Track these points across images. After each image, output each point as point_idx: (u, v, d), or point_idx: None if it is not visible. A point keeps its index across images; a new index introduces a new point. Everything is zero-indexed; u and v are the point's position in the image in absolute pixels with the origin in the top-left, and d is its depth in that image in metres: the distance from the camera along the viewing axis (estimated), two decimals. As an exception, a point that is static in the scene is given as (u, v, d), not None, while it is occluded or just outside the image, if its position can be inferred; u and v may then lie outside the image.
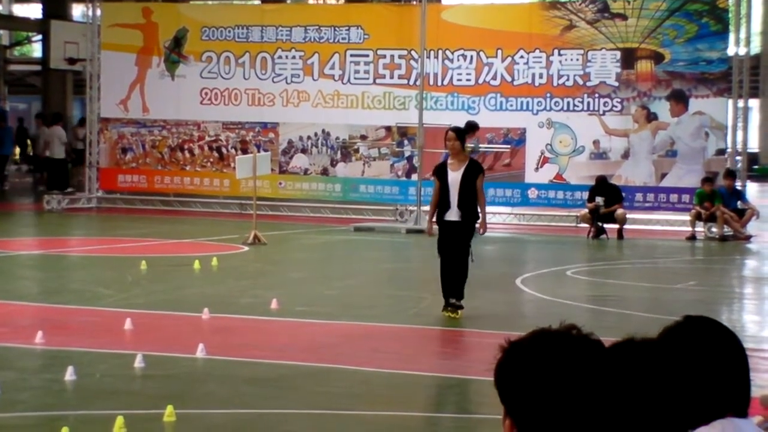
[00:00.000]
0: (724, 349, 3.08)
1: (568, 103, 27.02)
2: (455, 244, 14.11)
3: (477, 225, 14.49)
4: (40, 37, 42.88)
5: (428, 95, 27.25)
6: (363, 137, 28.73)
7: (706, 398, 3.03)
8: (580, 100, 26.94)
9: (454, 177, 14.11)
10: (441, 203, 14.19)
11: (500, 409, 2.68)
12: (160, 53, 30.30)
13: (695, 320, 3.15)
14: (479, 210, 14.30)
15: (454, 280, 14.12)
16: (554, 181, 27.14)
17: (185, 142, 30.23)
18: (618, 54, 26.74)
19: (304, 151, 29.21)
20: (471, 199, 14.12)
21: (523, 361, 2.62)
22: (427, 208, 26.36)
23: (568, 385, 2.57)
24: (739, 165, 26.73)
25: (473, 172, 14.18)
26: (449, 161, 14.36)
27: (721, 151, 26.41)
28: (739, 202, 25.26)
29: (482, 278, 17.85)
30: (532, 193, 27.25)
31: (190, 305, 14.53)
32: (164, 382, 10.47)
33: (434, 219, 14.43)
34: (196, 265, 18.41)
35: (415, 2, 28.08)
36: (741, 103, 26.73)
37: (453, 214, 14.09)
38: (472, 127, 25.55)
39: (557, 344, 2.62)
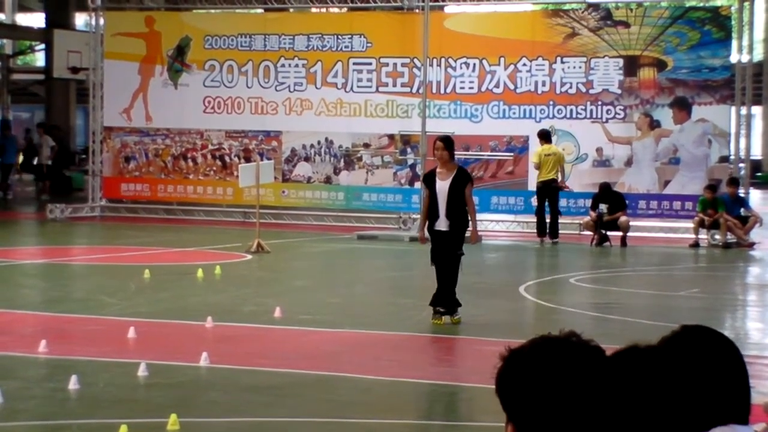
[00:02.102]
0: (721, 357, 3.08)
1: (571, 110, 27.02)
2: (445, 253, 14.17)
3: (468, 234, 14.55)
4: (43, 46, 42.93)
5: (431, 103, 27.25)
6: (366, 145, 28.74)
7: (705, 407, 3.03)
8: (583, 107, 26.95)
9: (442, 186, 14.16)
10: (430, 212, 14.26)
11: (503, 417, 2.68)
12: (163, 62, 30.33)
13: (692, 329, 3.15)
14: (470, 219, 14.34)
15: (440, 289, 14.21)
16: (557, 188, 27.10)
17: (188, 151, 30.25)
18: (621, 61, 26.76)
19: (307, 159, 29.22)
20: (460, 208, 14.14)
21: (523, 369, 2.62)
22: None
23: (569, 391, 2.58)
24: (742, 172, 26.73)
25: (461, 181, 14.21)
26: (438, 170, 14.40)
27: (724, 159, 26.40)
28: (742, 210, 25.25)
29: (485, 286, 17.87)
30: (536, 201, 27.20)
31: (194, 314, 14.53)
32: (168, 390, 10.48)
33: (426, 228, 14.51)
34: (200, 273, 18.42)
35: (417, 10, 28.09)
36: (744, 111, 26.73)
37: (441, 224, 14.15)
38: (546, 135, 25.55)
39: (557, 351, 2.63)
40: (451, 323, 14.19)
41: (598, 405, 2.59)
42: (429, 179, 14.42)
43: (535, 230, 25.50)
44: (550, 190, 25.26)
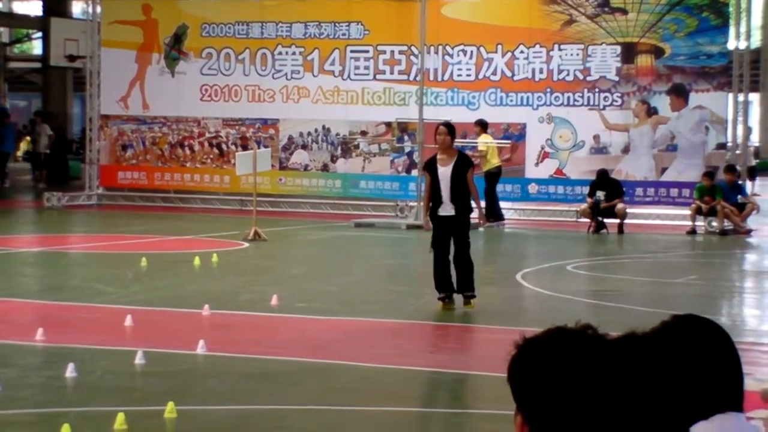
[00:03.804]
0: (711, 345, 3.08)
1: (569, 98, 27.00)
2: (454, 238, 14.26)
3: (476, 218, 14.69)
4: (40, 34, 42.88)
5: (428, 91, 27.23)
6: (363, 133, 28.72)
7: (698, 395, 3.03)
8: (581, 94, 26.93)
9: (444, 172, 14.23)
10: (433, 198, 14.32)
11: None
12: (160, 50, 30.30)
13: (682, 319, 3.15)
14: (474, 203, 14.45)
15: (461, 274, 14.27)
16: (554, 176, 27.14)
17: (185, 139, 30.22)
18: (618, 48, 26.73)
19: (304, 147, 29.20)
20: (463, 192, 14.23)
21: (538, 359, 2.60)
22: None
23: (582, 384, 2.56)
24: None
25: (463, 166, 14.30)
26: (439, 156, 14.49)
27: (721, 146, 26.40)
28: (739, 197, 25.25)
29: (483, 273, 17.85)
30: (533, 188, 27.25)
31: (191, 302, 14.53)
32: (165, 378, 10.48)
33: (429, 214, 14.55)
34: (197, 261, 18.40)
35: (414, -2, 28.04)
36: (741, 98, 26.72)
37: (446, 209, 14.22)
38: (486, 124, 25.99)
39: (573, 343, 2.61)
40: (465, 308, 14.22)
41: (610, 398, 2.58)
42: (430, 165, 14.49)
43: (489, 215, 25.81)
44: (497, 176, 25.87)
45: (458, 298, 14.39)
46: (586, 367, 2.58)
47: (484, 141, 25.92)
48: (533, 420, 2.60)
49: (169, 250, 21.01)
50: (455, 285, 14.34)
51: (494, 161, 25.96)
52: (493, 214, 25.75)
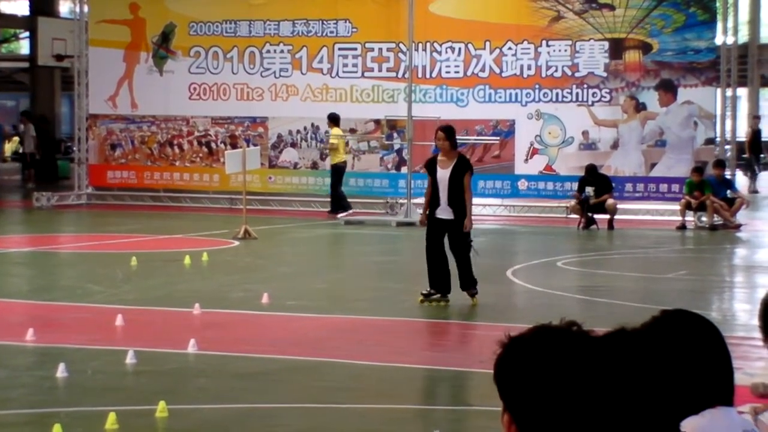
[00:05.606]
0: (701, 339, 3.09)
1: (557, 94, 27.03)
2: (452, 244, 14.30)
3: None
4: (27, 34, 42.78)
5: (417, 88, 27.23)
6: (352, 130, 28.70)
7: (688, 390, 3.04)
8: (569, 91, 26.95)
9: (443, 174, 14.23)
10: (432, 199, 14.31)
11: (493, 401, 2.68)
12: (148, 49, 30.26)
13: (672, 314, 3.16)
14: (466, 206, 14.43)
15: (459, 271, 14.31)
16: (544, 172, 27.15)
17: (174, 138, 30.19)
18: (606, 44, 26.75)
19: (293, 145, 29.19)
20: (461, 196, 14.21)
21: (523, 358, 2.61)
22: (417, 200, 26.45)
23: (568, 382, 2.57)
24: (729, 154, 26.79)
25: (461, 169, 14.27)
26: (439, 158, 14.50)
27: (710, 141, 26.45)
28: (728, 191, 25.29)
29: (474, 270, 17.85)
30: (522, 185, 27.25)
31: (181, 301, 14.53)
32: (156, 377, 10.48)
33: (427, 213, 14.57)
34: (187, 260, 18.39)
35: (402, -5, 28.04)
36: (729, 92, 26.77)
37: (443, 212, 14.22)
38: (337, 119, 26.72)
39: (558, 341, 2.62)
40: (472, 304, 14.28)
41: (597, 395, 2.59)
42: (431, 166, 14.46)
43: (332, 207, 26.86)
44: (342, 170, 26.91)
45: (450, 296, 14.41)
46: (572, 364, 2.58)
47: (336, 135, 26.92)
48: (520, 418, 2.60)
49: (159, 249, 20.99)
50: (459, 282, 14.40)
51: (342, 156, 26.94)
52: (340, 205, 26.58)
